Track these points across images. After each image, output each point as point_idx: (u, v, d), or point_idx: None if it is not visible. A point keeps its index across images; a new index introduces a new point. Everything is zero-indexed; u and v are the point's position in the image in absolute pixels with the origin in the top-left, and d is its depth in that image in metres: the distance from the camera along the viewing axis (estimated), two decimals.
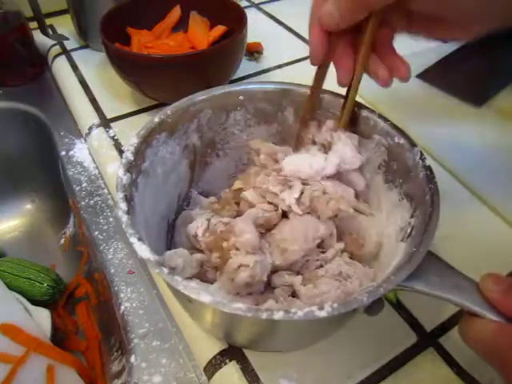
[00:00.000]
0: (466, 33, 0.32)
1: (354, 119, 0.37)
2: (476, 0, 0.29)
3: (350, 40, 0.33)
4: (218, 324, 0.34)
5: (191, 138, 0.39)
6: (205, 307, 0.29)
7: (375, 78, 0.34)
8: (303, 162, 0.37)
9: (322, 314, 0.24)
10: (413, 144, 0.34)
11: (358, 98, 0.37)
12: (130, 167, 0.33)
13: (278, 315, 0.24)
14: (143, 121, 0.36)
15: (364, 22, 0.31)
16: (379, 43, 0.33)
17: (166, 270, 0.26)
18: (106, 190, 0.54)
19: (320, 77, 0.37)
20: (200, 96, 0.38)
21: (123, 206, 0.30)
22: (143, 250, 0.27)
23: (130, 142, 0.34)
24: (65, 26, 0.74)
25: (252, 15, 0.79)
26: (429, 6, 0.30)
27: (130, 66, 0.54)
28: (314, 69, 0.36)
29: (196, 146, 0.40)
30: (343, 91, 0.37)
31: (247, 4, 0.85)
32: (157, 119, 0.36)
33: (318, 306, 0.24)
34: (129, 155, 0.33)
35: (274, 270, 0.35)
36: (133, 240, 0.28)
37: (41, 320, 0.52)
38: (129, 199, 0.31)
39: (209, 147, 0.41)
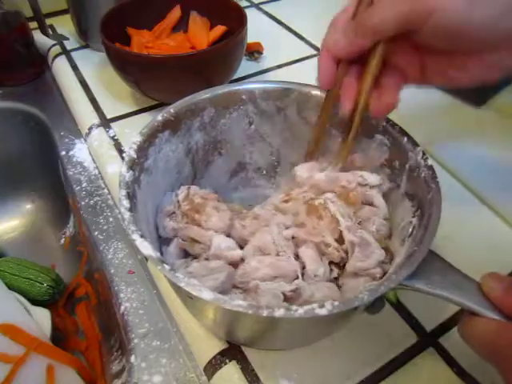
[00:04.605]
0: (492, 69, 0.29)
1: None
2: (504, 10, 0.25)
3: (357, 71, 0.33)
4: (219, 321, 0.33)
5: (194, 136, 0.40)
6: (206, 304, 0.29)
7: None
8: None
9: (323, 311, 0.24)
10: (415, 144, 0.34)
11: None
12: (132, 165, 0.33)
13: (279, 313, 0.24)
14: (143, 121, 0.36)
15: (371, 52, 0.31)
16: (387, 87, 0.33)
17: (167, 267, 0.26)
18: (105, 190, 0.54)
19: (327, 107, 0.37)
20: (203, 95, 0.39)
21: (125, 203, 0.30)
22: (145, 247, 0.27)
23: (133, 139, 0.34)
24: (65, 26, 0.74)
25: (252, 15, 0.78)
26: (440, 37, 0.28)
27: (130, 66, 0.54)
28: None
29: (199, 144, 0.40)
30: None
31: (247, 4, 0.85)
32: (160, 117, 0.36)
33: (319, 304, 0.24)
34: (132, 153, 0.33)
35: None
36: (135, 237, 0.28)
37: (41, 320, 0.52)
38: (131, 196, 0.31)
39: (211, 145, 0.42)
